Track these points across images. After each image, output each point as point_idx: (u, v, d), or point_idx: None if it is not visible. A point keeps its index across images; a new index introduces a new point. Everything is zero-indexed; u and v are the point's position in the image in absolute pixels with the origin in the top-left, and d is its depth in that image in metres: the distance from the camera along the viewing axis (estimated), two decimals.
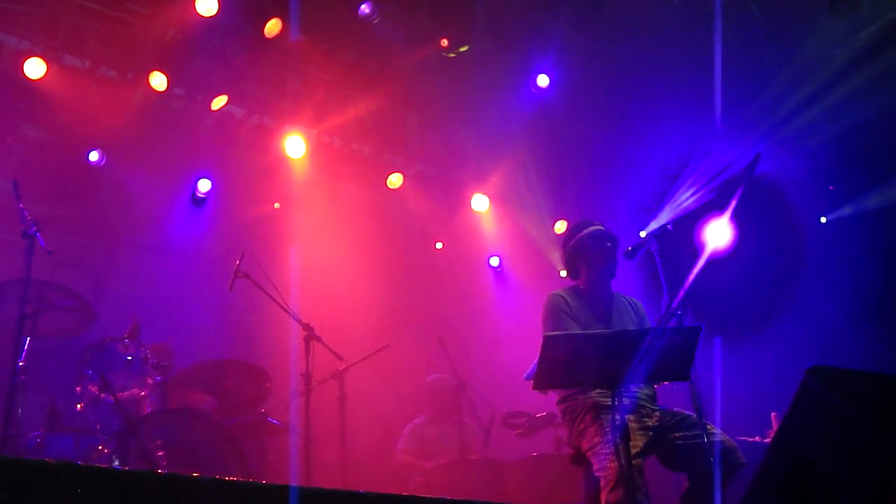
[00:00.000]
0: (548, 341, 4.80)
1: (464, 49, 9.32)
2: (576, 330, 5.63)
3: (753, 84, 9.59)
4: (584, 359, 4.84)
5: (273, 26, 8.70)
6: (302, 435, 7.14)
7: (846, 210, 10.41)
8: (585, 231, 5.95)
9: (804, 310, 9.51)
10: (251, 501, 2.26)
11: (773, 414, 7.92)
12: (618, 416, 4.90)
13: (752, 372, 8.81)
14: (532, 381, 5.03)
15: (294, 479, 7.44)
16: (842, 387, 3.56)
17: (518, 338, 8.66)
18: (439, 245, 11.32)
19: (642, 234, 6.46)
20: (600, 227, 5.94)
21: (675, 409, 5.64)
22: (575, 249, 5.97)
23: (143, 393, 6.98)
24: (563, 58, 9.56)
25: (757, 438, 7.92)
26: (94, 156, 8.85)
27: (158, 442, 6.30)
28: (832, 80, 9.40)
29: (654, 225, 6.25)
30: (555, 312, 5.79)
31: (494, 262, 11.35)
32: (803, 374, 3.69)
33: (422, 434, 8.72)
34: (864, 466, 3.30)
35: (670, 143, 9.73)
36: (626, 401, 5.29)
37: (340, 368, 7.78)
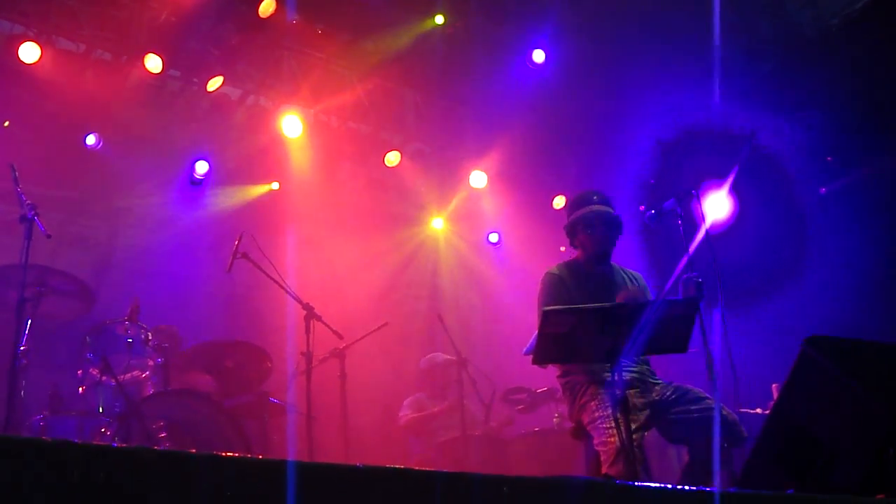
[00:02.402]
0: (546, 315, 4.81)
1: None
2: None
3: (750, 56, 9.57)
4: (582, 332, 4.85)
5: (268, 6, 8.66)
6: (303, 414, 7.16)
7: (844, 181, 10.41)
8: (581, 212, 5.92)
9: (804, 281, 9.51)
10: (249, 476, 2.26)
11: (773, 385, 7.92)
12: (618, 390, 4.91)
13: (754, 344, 8.81)
14: (531, 356, 5.05)
15: (295, 458, 7.47)
16: (840, 356, 3.57)
17: (518, 313, 8.66)
18: (438, 222, 11.32)
19: (643, 207, 6.49)
20: (597, 209, 5.90)
21: (676, 382, 5.65)
22: (573, 225, 5.96)
23: (144, 375, 7.01)
24: (559, 33, 9.55)
25: (758, 410, 7.93)
26: (90, 139, 8.84)
27: (161, 423, 6.32)
28: (828, 50, 9.39)
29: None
30: (549, 291, 5.78)
31: (493, 238, 11.36)
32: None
33: (423, 405, 8.76)
34: (862, 435, 3.32)
35: (668, 116, 9.71)
36: (626, 375, 5.31)
37: (341, 347, 7.79)
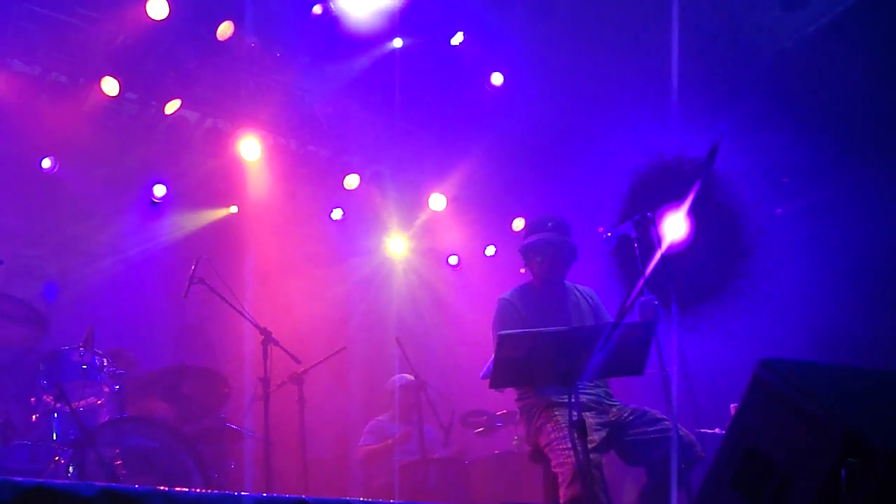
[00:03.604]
0: (502, 339, 4.83)
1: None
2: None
3: (708, 78, 9.65)
4: (538, 356, 4.88)
5: (225, 29, 8.63)
6: (261, 439, 7.11)
7: (800, 202, 10.51)
8: (533, 238, 5.98)
9: (761, 301, 9.57)
10: None
11: (732, 406, 7.98)
12: (574, 413, 4.92)
13: (713, 364, 8.86)
14: (488, 380, 5.06)
15: (254, 484, 7.42)
16: (792, 378, 3.58)
17: (477, 336, 8.66)
18: (397, 246, 11.31)
19: (601, 228, 6.52)
20: (549, 237, 5.94)
21: (633, 404, 5.67)
22: (525, 250, 6.01)
23: (99, 401, 6.92)
24: (518, 56, 9.58)
25: (717, 430, 7.96)
26: (46, 163, 8.77)
27: (116, 451, 6.24)
28: (783, 73, 9.49)
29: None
30: (502, 317, 5.85)
31: (453, 260, 11.37)
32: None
33: (384, 431, 8.71)
34: (814, 457, 3.33)
35: (628, 138, 9.76)
36: (583, 397, 5.32)
37: (299, 371, 7.75)
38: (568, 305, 5.95)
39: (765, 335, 9.13)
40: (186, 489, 2.33)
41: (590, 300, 6.07)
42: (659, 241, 5.98)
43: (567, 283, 6.10)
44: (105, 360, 6.83)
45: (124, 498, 2.13)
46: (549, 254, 5.93)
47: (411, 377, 8.60)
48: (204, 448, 7.04)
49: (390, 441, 8.48)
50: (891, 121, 9.22)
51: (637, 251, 5.84)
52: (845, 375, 3.91)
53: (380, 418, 8.88)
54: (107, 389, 6.89)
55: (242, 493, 2.26)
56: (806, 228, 10.30)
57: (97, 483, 2.27)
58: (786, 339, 9.01)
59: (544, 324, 5.56)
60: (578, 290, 6.10)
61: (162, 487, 2.23)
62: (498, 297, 5.97)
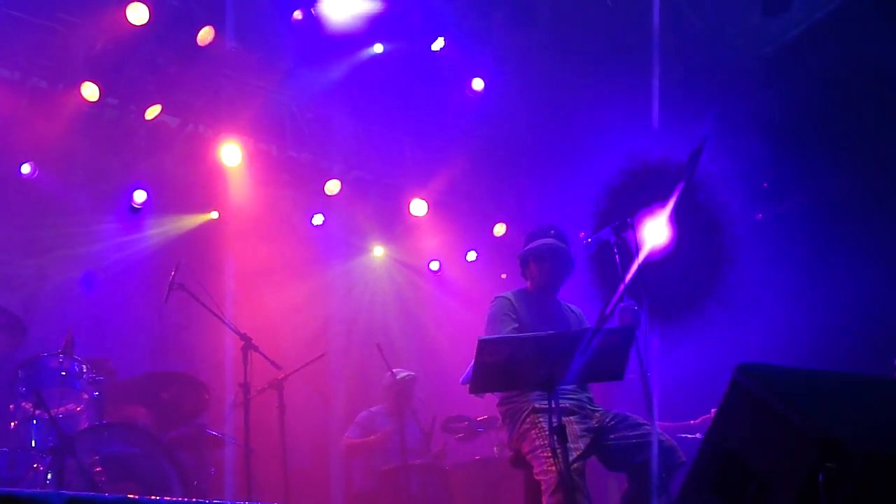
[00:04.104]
0: (482, 345, 4.81)
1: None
2: (517, 332, 5.66)
3: (688, 84, 9.69)
4: (518, 362, 4.87)
5: (206, 34, 8.59)
6: (241, 445, 7.08)
7: (780, 207, 10.56)
8: (535, 244, 6.02)
9: (742, 306, 9.61)
10: None
11: (713, 411, 8.02)
12: (555, 418, 4.92)
13: (694, 369, 8.89)
14: (468, 385, 5.05)
15: (234, 491, 7.40)
16: (770, 383, 3.58)
17: (459, 342, 8.67)
18: (379, 251, 11.31)
19: (582, 234, 6.55)
20: (551, 243, 6.00)
21: (615, 410, 5.69)
22: (533, 253, 6.02)
23: (79, 408, 6.86)
24: (499, 62, 9.59)
25: (698, 435, 7.99)
26: (25, 168, 8.72)
27: (96, 457, 6.20)
28: (763, 79, 9.53)
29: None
30: (499, 314, 5.85)
31: (434, 266, 11.37)
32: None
33: (373, 424, 8.69)
34: (792, 462, 3.34)
35: (608, 143, 9.79)
36: (565, 403, 5.33)
37: (279, 378, 7.73)
38: (559, 317, 5.97)
39: (744, 340, 9.16)
40: (156, 498, 2.31)
41: (578, 317, 6.10)
42: (639, 247, 6.00)
43: (559, 299, 6.12)
44: (84, 366, 6.78)
45: None
46: (552, 259, 5.96)
47: (410, 372, 8.61)
48: (184, 455, 7.02)
49: (373, 437, 8.48)
50: (869, 127, 9.28)
51: (617, 257, 5.85)
52: (823, 380, 3.92)
53: (372, 410, 8.87)
54: (86, 396, 6.83)
55: (215, 501, 2.24)
56: (786, 233, 10.34)
57: (65, 492, 2.25)
58: (766, 344, 9.04)
59: (537, 328, 5.60)
60: (569, 306, 6.14)
61: (131, 496, 2.21)
62: (496, 295, 5.98)
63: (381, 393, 9.04)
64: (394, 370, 8.81)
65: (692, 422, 7.19)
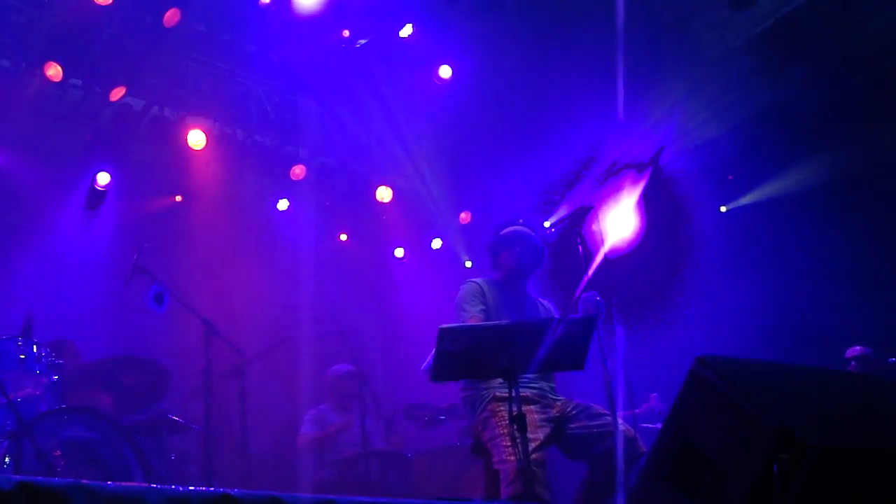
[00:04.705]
0: (443, 333, 4.81)
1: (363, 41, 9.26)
2: (484, 318, 5.67)
3: (655, 75, 9.72)
4: (479, 350, 4.88)
5: (172, 15, 8.53)
6: (202, 432, 7.05)
7: (744, 200, 10.64)
8: (506, 231, 6.04)
9: (704, 298, 9.68)
10: None
11: (653, 396, 8.13)
12: (514, 407, 4.93)
13: (655, 360, 8.94)
14: (429, 373, 5.05)
15: (194, 476, 7.37)
16: (728, 375, 3.62)
17: (422, 329, 8.67)
18: (344, 238, 11.28)
19: (547, 223, 6.57)
20: (521, 230, 6.06)
21: (576, 399, 5.71)
22: (502, 239, 6.04)
23: (38, 392, 6.80)
24: (466, 49, 9.59)
25: (659, 426, 8.03)
26: None
27: (55, 442, 6.15)
28: (731, 71, 9.59)
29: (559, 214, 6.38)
30: (468, 297, 5.85)
31: (399, 253, 11.36)
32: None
33: (324, 420, 8.68)
34: (748, 452, 3.37)
35: (574, 134, 9.81)
36: (527, 391, 5.34)
37: (241, 363, 7.70)
38: (529, 306, 5.98)
39: (704, 332, 9.23)
40: (108, 483, 2.30)
41: (548, 310, 6.10)
42: (603, 237, 6.03)
43: (529, 292, 6.13)
44: (44, 350, 6.71)
45: (43, 492, 2.10)
46: (520, 245, 5.98)
47: (350, 366, 8.57)
48: (144, 439, 6.98)
49: (331, 429, 8.46)
50: (833, 120, 9.37)
51: (580, 247, 5.88)
52: (779, 372, 3.97)
53: (320, 407, 8.85)
54: (45, 380, 6.75)
55: (175, 487, 2.23)
56: (750, 226, 10.43)
57: (14, 476, 2.23)
58: (725, 336, 9.12)
59: (505, 317, 5.61)
60: (539, 300, 6.15)
61: (84, 481, 2.20)
62: (466, 280, 5.98)
63: (324, 389, 9.02)
64: (334, 366, 8.83)
65: (636, 411, 7.26)
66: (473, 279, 6.00)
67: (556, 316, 6.04)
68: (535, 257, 6.03)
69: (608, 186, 8.96)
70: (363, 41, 9.24)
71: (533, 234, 6.05)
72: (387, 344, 10.73)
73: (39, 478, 2.22)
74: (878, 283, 9.42)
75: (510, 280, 6.02)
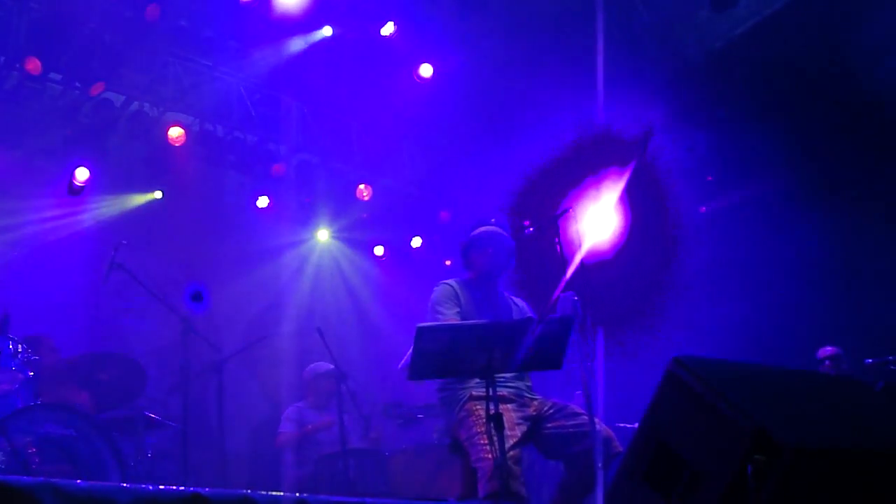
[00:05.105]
0: (421, 332, 4.81)
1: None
2: (458, 318, 5.67)
3: (637, 74, 9.75)
4: (457, 349, 4.87)
5: (153, 11, 8.50)
6: (180, 428, 7.03)
7: (723, 200, 10.68)
8: (476, 231, 6.04)
9: (682, 298, 9.70)
10: None
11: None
12: (491, 406, 4.93)
13: (633, 360, 8.97)
14: (406, 372, 5.05)
15: (171, 475, 7.34)
16: (704, 375, 3.64)
17: (402, 327, 8.66)
18: (323, 235, 11.26)
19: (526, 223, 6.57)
20: (492, 230, 6.05)
21: (553, 398, 5.71)
22: (473, 240, 6.04)
23: (13, 388, 6.76)
24: (448, 48, 9.59)
25: (636, 425, 8.05)
26: None
27: (30, 438, 6.11)
28: (711, 73, 9.62)
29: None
30: (442, 300, 5.83)
31: (379, 251, 11.35)
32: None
33: (303, 418, 8.66)
34: (723, 453, 3.39)
35: (556, 134, 9.82)
36: (504, 390, 5.34)
37: (218, 360, 7.67)
38: (502, 305, 5.99)
39: (682, 333, 9.26)
40: (79, 482, 2.28)
41: (521, 309, 6.11)
42: (581, 237, 6.04)
43: (503, 291, 6.13)
44: (20, 345, 6.67)
45: (11, 490, 2.09)
46: (491, 244, 5.98)
47: (329, 365, 8.55)
48: (121, 437, 6.94)
49: (310, 427, 8.45)
50: (813, 123, 9.40)
51: (559, 246, 5.88)
52: (755, 373, 3.98)
53: (298, 405, 8.83)
54: (21, 376, 6.70)
55: (142, 486, 2.22)
56: (729, 227, 10.46)
57: None
58: (703, 337, 9.15)
59: (479, 317, 5.61)
60: (512, 298, 6.15)
61: (55, 480, 2.18)
62: (440, 281, 5.97)
63: (303, 387, 9.00)
64: (313, 364, 8.81)
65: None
66: (446, 281, 5.99)
67: (530, 314, 6.06)
68: (505, 255, 6.04)
69: (588, 185, 8.99)
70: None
71: (504, 233, 6.05)
72: (365, 342, 10.72)
73: (10, 476, 2.20)
74: (857, 285, 9.47)
75: (483, 280, 6.02)
